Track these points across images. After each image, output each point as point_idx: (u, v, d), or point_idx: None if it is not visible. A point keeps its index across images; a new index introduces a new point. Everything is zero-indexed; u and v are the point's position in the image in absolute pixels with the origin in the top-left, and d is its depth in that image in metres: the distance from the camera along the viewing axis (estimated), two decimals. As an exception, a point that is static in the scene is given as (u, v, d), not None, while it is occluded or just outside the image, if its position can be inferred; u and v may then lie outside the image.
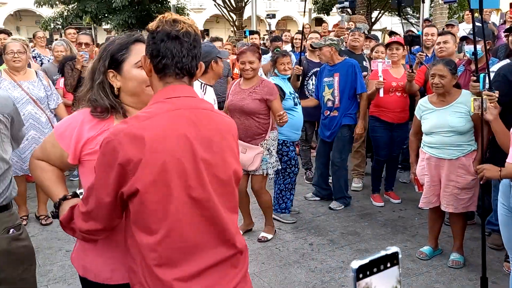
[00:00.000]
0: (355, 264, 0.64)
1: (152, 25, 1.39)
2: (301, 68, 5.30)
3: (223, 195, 1.40)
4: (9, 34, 6.26)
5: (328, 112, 4.76)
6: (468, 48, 3.98)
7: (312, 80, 5.54)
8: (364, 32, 7.40)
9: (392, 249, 0.68)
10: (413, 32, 6.34)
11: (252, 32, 8.53)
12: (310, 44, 4.87)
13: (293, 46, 8.01)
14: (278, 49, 5.02)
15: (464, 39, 4.23)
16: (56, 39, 7.08)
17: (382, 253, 0.67)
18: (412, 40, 4.73)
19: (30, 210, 4.58)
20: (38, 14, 28.25)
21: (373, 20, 19.07)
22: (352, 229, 4.34)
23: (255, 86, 3.87)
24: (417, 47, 5.34)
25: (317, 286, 3.33)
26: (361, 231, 4.28)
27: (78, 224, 1.38)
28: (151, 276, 1.31)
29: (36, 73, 4.35)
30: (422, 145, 3.65)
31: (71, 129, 1.58)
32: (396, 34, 7.08)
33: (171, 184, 1.29)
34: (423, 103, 3.66)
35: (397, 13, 21.12)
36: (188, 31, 1.37)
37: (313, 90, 5.24)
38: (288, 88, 4.40)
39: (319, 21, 24.01)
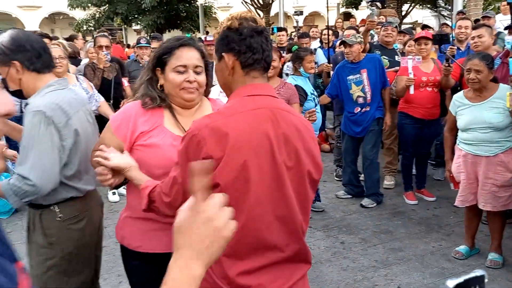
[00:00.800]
0: (451, 283, 0.64)
1: (232, 23, 1.39)
2: (331, 66, 5.25)
3: (297, 195, 1.41)
4: (50, 38, 6.43)
5: (359, 109, 4.69)
6: (510, 38, 3.84)
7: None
8: (396, 26, 7.24)
9: (480, 272, 0.68)
10: (447, 26, 6.08)
11: (279, 29, 8.47)
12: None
13: (321, 42, 7.93)
14: (296, 47, 4.97)
15: (508, 28, 4.08)
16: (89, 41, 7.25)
17: (472, 274, 0.67)
18: (441, 39, 4.58)
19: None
20: (71, 17, 28.99)
21: (403, 13, 18.67)
22: (384, 227, 4.27)
23: (278, 88, 3.85)
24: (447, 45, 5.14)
25: (349, 285, 3.30)
26: (394, 230, 4.20)
27: (163, 211, 1.46)
28: (216, 264, 1.33)
29: (77, 77, 4.41)
30: (458, 141, 3.55)
31: (126, 122, 1.73)
32: (429, 27, 6.88)
33: (249, 183, 1.31)
34: (458, 98, 3.55)
35: (428, 5, 20.63)
36: (265, 26, 1.41)
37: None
38: (309, 88, 4.40)
39: (347, 16, 23.73)
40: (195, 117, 1.70)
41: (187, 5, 20.92)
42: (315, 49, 6.17)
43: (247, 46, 1.36)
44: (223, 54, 1.40)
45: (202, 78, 1.74)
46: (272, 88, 1.46)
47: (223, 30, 1.40)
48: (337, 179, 5.63)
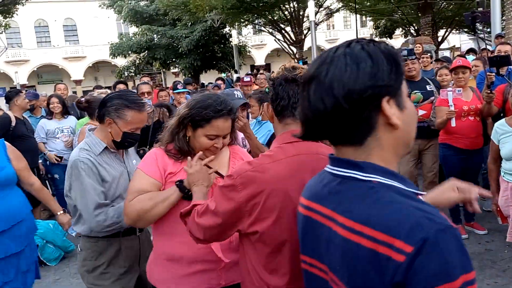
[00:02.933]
0: None
1: (274, 74, 1.51)
2: None
3: None
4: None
5: None
6: None
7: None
8: (431, 54, 7.11)
9: None
10: (488, 50, 5.78)
11: (304, 62, 8.58)
12: None
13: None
14: None
15: None
16: (132, 87, 7.54)
17: None
18: (499, 60, 4.21)
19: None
20: (113, 64, 30.49)
21: (439, 39, 18.42)
22: (433, 265, 4.05)
23: None
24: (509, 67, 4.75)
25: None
26: (443, 267, 3.98)
27: (189, 226, 1.51)
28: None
29: None
30: (502, 173, 3.37)
31: (152, 163, 1.86)
32: (475, 52, 6.66)
33: (287, 231, 1.32)
34: (500, 126, 3.40)
35: (465, 30, 20.29)
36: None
37: None
38: None
39: (382, 45, 23.69)
40: (213, 160, 1.86)
41: (222, 46, 21.57)
42: None
43: (276, 94, 1.45)
44: (264, 104, 1.54)
45: (227, 140, 1.88)
46: None
47: None
48: None
